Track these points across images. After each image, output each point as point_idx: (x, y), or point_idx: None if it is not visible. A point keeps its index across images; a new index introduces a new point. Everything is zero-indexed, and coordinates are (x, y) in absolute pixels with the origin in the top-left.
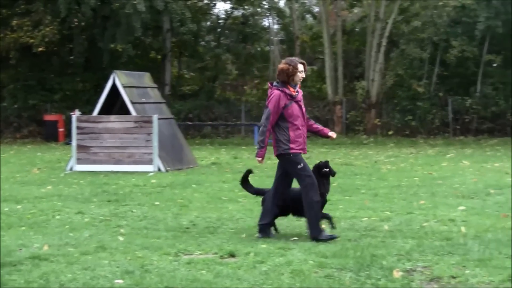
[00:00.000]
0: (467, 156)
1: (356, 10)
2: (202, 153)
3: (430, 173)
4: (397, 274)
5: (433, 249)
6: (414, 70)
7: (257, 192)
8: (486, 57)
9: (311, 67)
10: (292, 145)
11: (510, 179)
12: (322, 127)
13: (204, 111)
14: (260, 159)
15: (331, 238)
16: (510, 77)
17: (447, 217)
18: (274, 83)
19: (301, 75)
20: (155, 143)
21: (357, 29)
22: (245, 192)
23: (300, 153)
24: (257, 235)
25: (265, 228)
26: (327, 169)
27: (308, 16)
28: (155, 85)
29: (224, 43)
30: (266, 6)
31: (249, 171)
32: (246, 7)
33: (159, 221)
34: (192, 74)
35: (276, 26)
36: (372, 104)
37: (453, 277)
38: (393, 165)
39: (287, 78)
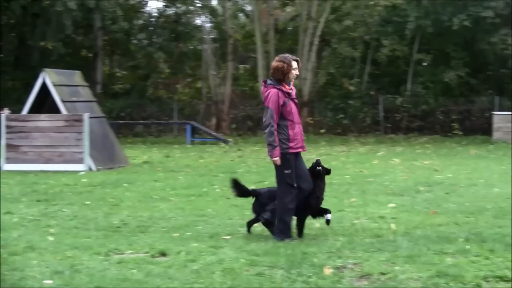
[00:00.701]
0: (397, 154)
1: (288, 9)
2: (134, 152)
3: (361, 171)
4: (327, 271)
5: (364, 246)
6: (346, 68)
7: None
8: (416, 56)
9: (243, 65)
10: (291, 144)
11: (439, 176)
12: None
13: (136, 109)
14: (277, 158)
15: (291, 241)
16: (440, 76)
17: (378, 214)
18: (268, 81)
19: (295, 72)
20: (86, 142)
21: (289, 28)
22: (177, 191)
23: (299, 152)
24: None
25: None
26: (320, 167)
27: (240, 14)
28: (86, 84)
29: (156, 41)
30: (199, 5)
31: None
32: (178, 5)
33: (89, 220)
34: (124, 72)
35: (208, 25)
36: (304, 103)
37: (383, 274)
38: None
39: (282, 76)
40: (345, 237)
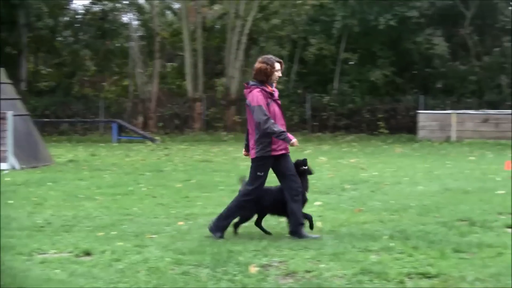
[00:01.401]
0: (324, 152)
1: (216, 7)
2: (59, 151)
3: None
4: (253, 269)
5: (289, 244)
6: None
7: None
8: (343, 55)
9: (171, 63)
10: (273, 146)
11: (365, 174)
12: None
13: (61, 107)
14: (294, 140)
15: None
16: (366, 75)
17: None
18: (251, 83)
19: (277, 74)
20: (10, 140)
21: (217, 26)
22: (102, 190)
23: (284, 153)
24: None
25: (299, 229)
26: (306, 167)
27: (168, 12)
28: (9, 81)
29: (82, 38)
30: (126, 2)
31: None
32: (105, 2)
33: (12, 220)
34: (49, 70)
35: (135, 22)
36: (232, 101)
37: (308, 271)
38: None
39: (265, 78)
40: (271, 235)
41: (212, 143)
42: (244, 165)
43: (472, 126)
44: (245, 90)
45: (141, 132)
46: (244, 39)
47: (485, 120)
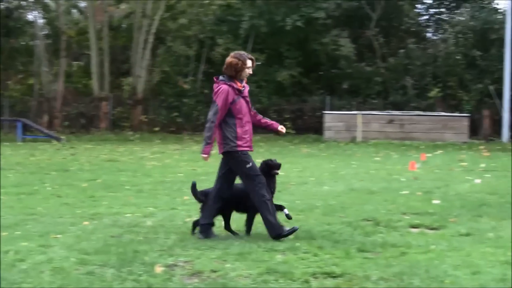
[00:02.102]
0: None
1: (123, 6)
2: None
3: (194, 169)
4: (158, 269)
5: (195, 244)
6: (181, 67)
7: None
8: None
9: (77, 62)
10: (239, 142)
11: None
12: (271, 122)
13: None
14: (206, 155)
15: (293, 230)
16: (273, 75)
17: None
18: (220, 77)
19: (248, 71)
20: None
21: (124, 25)
22: (6, 189)
23: (247, 150)
24: (199, 236)
25: (207, 229)
26: (278, 171)
27: (74, 11)
28: None
29: None
30: (31, 0)
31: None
32: (10, 0)
33: None
34: None
35: (41, 21)
36: (139, 101)
37: (214, 271)
38: (158, 161)
39: (234, 73)
40: (177, 235)
41: (119, 142)
42: (150, 165)
43: (378, 127)
44: (214, 85)
45: (47, 131)
46: (151, 38)
47: (390, 121)
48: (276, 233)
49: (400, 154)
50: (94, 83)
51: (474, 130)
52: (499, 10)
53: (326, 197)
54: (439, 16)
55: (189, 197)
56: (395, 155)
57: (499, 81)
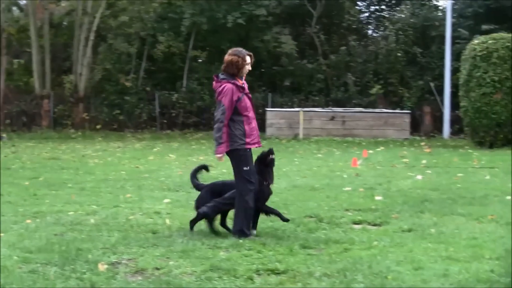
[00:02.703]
0: (173, 150)
1: (63, 3)
2: None
3: (137, 166)
4: (102, 267)
5: (139, 242)
6: (122, 64)
7: (197, 186)
8: (192, 53)
9: (17, 60)
10: (247, 139)
11: (214, 172)
12: None
13: None
14: (220, 155)
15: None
16: (214, 73)
17: (153, 209)
18: (221, 76)
19: (248, 67)
20: None
21: (65, 23)
22: None
23: (255, 147)
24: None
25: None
26: (273, 155)
27: (14, 8)
28: None
29: None
30: None
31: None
32: None
33: None
34: None
35: None
36: (80, 98)
37: (157, 269)
38: (100, 159)
39: (236, 71)
40: (120, 232)
41: (60, 140)
42: (93, 163)
43: (319, 124)
44: (214, 84)
45: None
46: (92, 36)
47: (332, 118)
48: (240, 235)
49: (342, 151)
50: (35, 81)
51: (416, 127)
52: (439, 7)
53: None
54: (379, 13)
55: (131, 195)
56: (337, 152)
57: (439, 77)
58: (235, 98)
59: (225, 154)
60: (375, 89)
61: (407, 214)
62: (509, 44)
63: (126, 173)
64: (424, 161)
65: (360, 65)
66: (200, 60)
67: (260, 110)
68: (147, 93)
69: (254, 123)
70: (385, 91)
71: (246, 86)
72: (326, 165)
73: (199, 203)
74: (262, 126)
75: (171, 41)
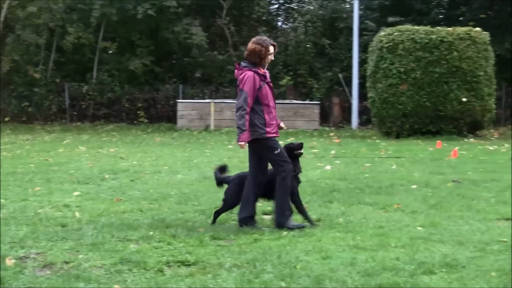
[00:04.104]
0: (83, 142)
1: None
2: None
3: (46, 159)
4: (9, 262)
5: (47, 235)
6: (31, 56)
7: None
8: (102, 44)
9: None
10: (268, 129)
11: (125, 164)
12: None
13: None
14: (243, 143)
15: (298, 227)
16: (125, 64)
17: (62, 203)
18: (243, 64)
19: (270, 57)
20: None
21: None
22: None
23: (275, 136)
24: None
25: (248, 221)
26: (301, 151)
27: None
28: None
29: None
30: None
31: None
32: None
33: None
34: None
35: None
36: None
37: (66, 262)
38: (8, 152)
39: (258, 60)
40: (29, 226)
41: None
42: (1, 156)
43: (230, 115)
44: (236, 71)
45: None
46: None
47: None
48: (281, 221)
49: None
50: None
51: (325, 118)
52: (346, 0)
53: (179, 185)
54: (289, 5)
55: (40, 188)
56: None
57: (347, 69)
58: (256, 86)
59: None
60: (285, 80)
61: (316, 204)
62: (414, 36)
63: (35, 166)
64: (333, 152)
65: None
66: (110, 52)
67: (171, 102)
68: (56, 84)
69: (274, 113)
70: (294, 82)
71: (268, 75)
72: (236, 156)
73: (228, 196)
74: (173, 118)
75: (81, 32)
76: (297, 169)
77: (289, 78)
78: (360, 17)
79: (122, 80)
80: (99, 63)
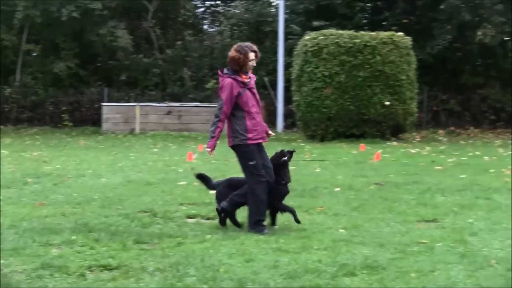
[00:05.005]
0: (5, 146)
1: None
2: None
3: None
4: None
5: None
6: None
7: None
8: (25, 46)
9: None
10: (249, 135)
11: (48, 167)
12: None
13: None
14: (209, 149)
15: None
16: (49, 67)
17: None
18: (225, 71)
19: (251, 63)
20: None
21: None
22: None
23: (259, 142)
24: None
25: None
26: (285, 158)
27: None
28: None
29: None
30: None
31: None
32: None
33: None
34: None
35: None
36: None
37: None
38: None
39: (238, 67)
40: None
41: None
42: None
43: (156, 118)
44: (219, 79)
45: None
46: None
47: (168, 113)
48: (256, 230)
49: (178, 145)
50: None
51: None
52: (272, 3)
53: (103, 189)
54: (215, 9)
55: None
56: (173, 146)
57: (273, 72)
58: (234, 93)
59: (215, 149)
60: (211, 84)
61: (240, 207)
62: (338, 40)
63: None
64: None
65: (196, 60)
66: (34, 54)
67: (96, 105)
68: None
69: (258, 118)
70: None
71: (253, 80)
72: (162, 159)
73: (219, 199)
74: (98, 121)
75: (4, 34)
76: (285, 178)
77: (215, 81)
78: (286, 21)
79: (46, 83)
80: (22, 65)
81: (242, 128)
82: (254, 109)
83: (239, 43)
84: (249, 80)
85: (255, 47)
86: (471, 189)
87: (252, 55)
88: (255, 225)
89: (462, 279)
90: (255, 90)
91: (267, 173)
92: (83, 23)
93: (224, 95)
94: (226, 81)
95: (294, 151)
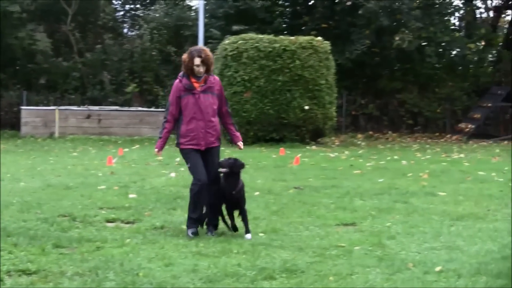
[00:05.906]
0: None
1: None
2: None
3: None
4: None
5: None
6: None
7: None
8: None
9: None
10: (181, 140)
11: None
12: (234, 132)
13: None
14: (156, 150)
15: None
16: None
17: None
18: (180, 73)
19: (197, 68)
20: None
21: None
22: None
23: (191, 149)
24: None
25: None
26: (221, 170)
27: None
28: None
29: None
30: None
31: None
32: None
33: None
34: None
35: None
36: None
37: None
38: None
39: (185, 70)
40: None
41: None
42: None
43: (75, 122)
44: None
45: None
46: None
47: (88, 116)
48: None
49: (98, 149)
50: None
51: None
52: (192, 7)
53: (22, 193)
54: (135, 12)
55: None
56: (93, 150)
57: None
58: (176, 94)
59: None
60: (131, 88)
61: (160, 211)
62: (258, 44)
63: None
64: (177, 159)
65: (115, 64)
66: None
67: (15, 108)
68: None
69: (193, 124)
70: (140, 90)
71: (207, 86)
72: (81, 163)
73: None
74: (16, 125)
75: None
76: (230, 187)
77: (135, 85)
78: (205, 25)
79: None
80: None
81: (178, 132)
82: (192, 115)
83: (193, 47)
84: (203, 84)
85: (204, 53)
86: (389, 193)
87: (197, 60)
88: (187, 221)
89: (380, 282)
90: (198, 96)
91: (208, 178)
92: (1, 26)
93: (170, 96)
94: (174, 82)
95: (244, 165)
